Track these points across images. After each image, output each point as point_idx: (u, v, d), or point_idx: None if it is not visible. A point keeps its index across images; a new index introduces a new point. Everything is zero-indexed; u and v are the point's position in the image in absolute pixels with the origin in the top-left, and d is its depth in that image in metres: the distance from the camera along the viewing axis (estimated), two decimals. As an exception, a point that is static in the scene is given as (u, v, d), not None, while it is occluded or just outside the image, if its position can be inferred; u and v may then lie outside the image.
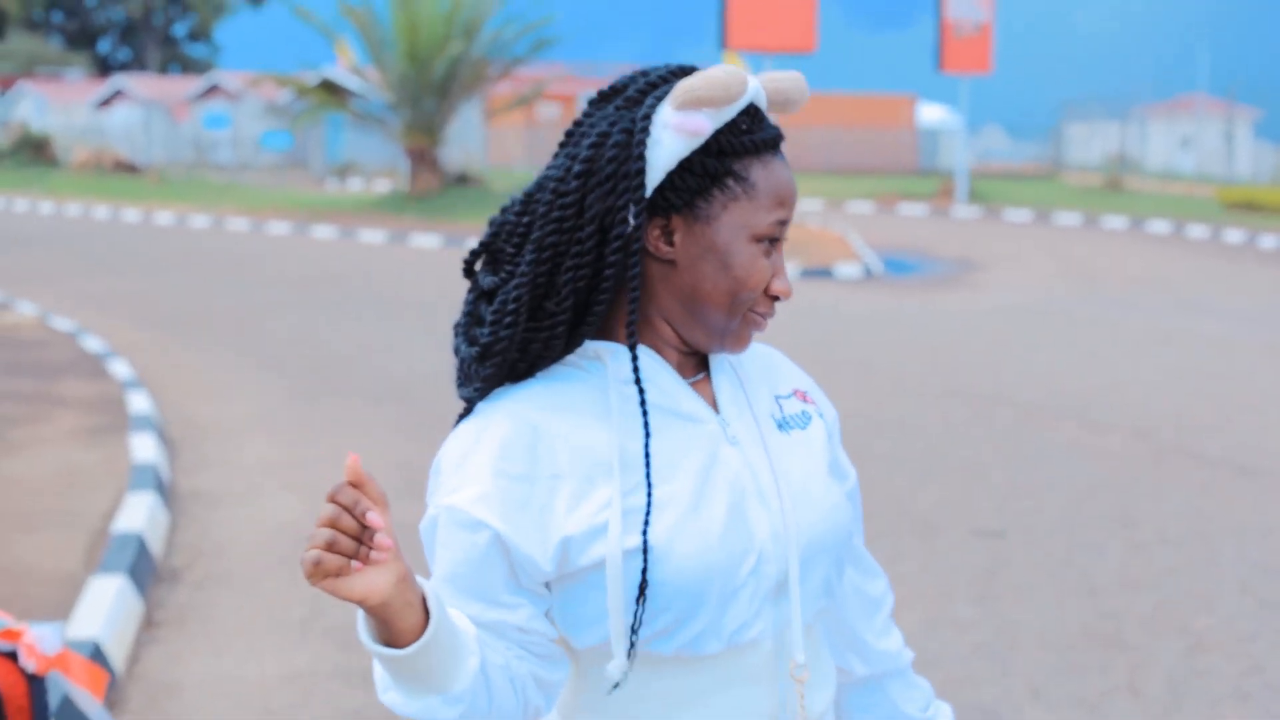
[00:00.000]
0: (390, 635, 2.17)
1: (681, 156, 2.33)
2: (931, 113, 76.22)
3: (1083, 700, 6.55)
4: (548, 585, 2.36)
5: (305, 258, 28.61)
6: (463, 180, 41.22)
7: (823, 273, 26.15)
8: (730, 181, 2.34)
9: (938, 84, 50.77)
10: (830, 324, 18.89)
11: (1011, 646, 7.19)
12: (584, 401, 2.39)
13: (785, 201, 2.37)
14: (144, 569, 8.05)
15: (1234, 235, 33.63)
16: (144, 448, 10.71)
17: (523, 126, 66.08)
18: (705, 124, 2.32)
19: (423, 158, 39.33)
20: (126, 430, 11.53)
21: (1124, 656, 7.06)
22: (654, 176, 2.34)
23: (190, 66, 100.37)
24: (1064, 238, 34.18)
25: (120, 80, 76.80)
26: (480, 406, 2.41)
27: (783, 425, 2.50)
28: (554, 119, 68.34)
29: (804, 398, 2.56)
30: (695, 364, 2.48)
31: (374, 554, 2.07)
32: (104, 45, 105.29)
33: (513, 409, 2.37)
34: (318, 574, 2.05)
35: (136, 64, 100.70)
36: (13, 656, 3.73)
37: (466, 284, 2.63)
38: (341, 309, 20.19)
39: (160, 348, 16.71)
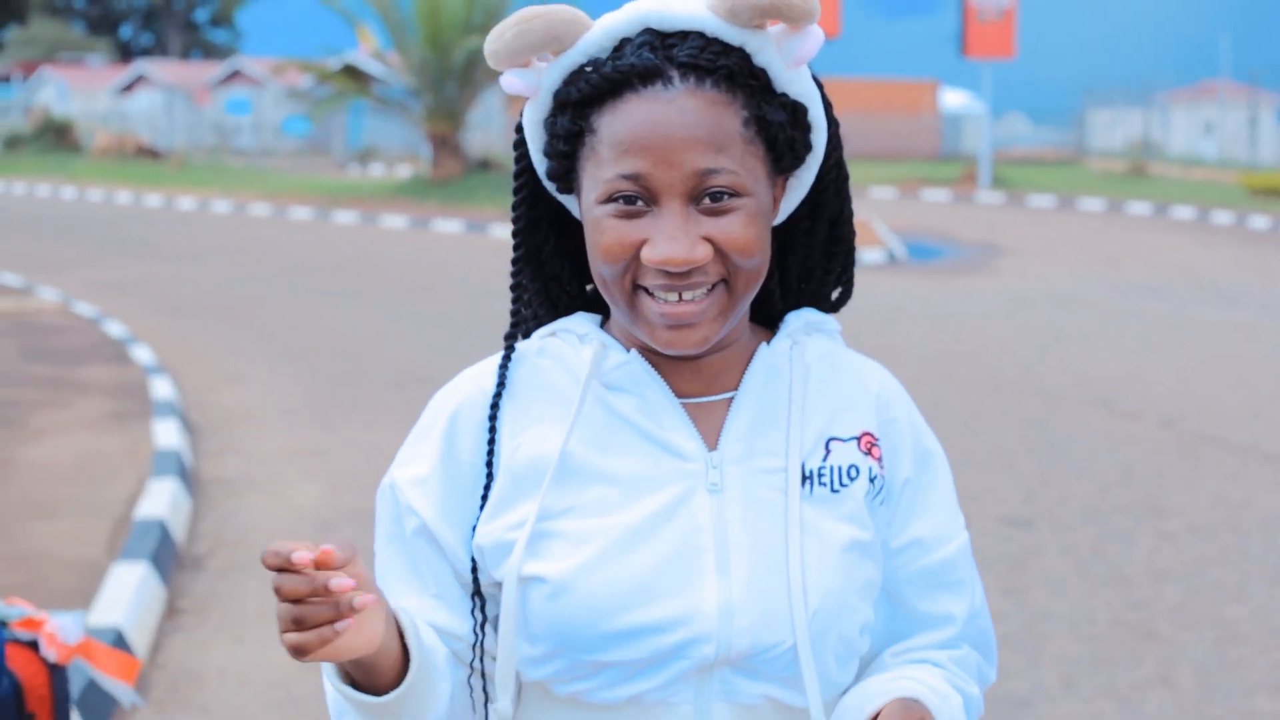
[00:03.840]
0: (368, 678, 1.95)
1: (537, 122, 2.05)
2: (954, 98, 76.10)
3: (1114, 691, 6.48)
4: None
5: (327, 243, 28.58)
6: (484, 166, 41.19)
7: (846, 259, 26.01)
8: (585, 137, 1.99)
9: (960, 70, 50.67)
10: (854, 310, 18.72)
11: (1042, 637, 7.12)
12: (555, 387, 2.10)
13: (633, 148, 1.93)
14: (166, 556, 8.01)
15: (1259, 221, 33.44)
16: (167, 434, 10.67)
17: (544, 112, 66.00)
18: (514, 81, 2.02)
19: (444, 143, 39.27)
20: (149, 416, 11.49)
21: (1155, 647, 6.98)
22: (536, 154, 2.08)
23: (212, 52, 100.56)
24: (1088, 223, 34.04)
25: (142, 65, 77.02)
26: (484, 361, 2.17)
27: (811, 479, 2.06)
28: (575, 104, 68.26)
29: (868, 446, 2.11)
30: (723, 377, 2.10)
31: (358, 602, 1.77)
32: (126, 31, 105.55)
33: (484, 379, 2.12)
34: (302, 656, 1.79)
35: (158, 49, 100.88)
36: (34, 645, 3.70)
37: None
38: (363, 295, 20.15)
39: (182, 334, 16.68)
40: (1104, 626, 7.25)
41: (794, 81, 2.00)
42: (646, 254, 1.93)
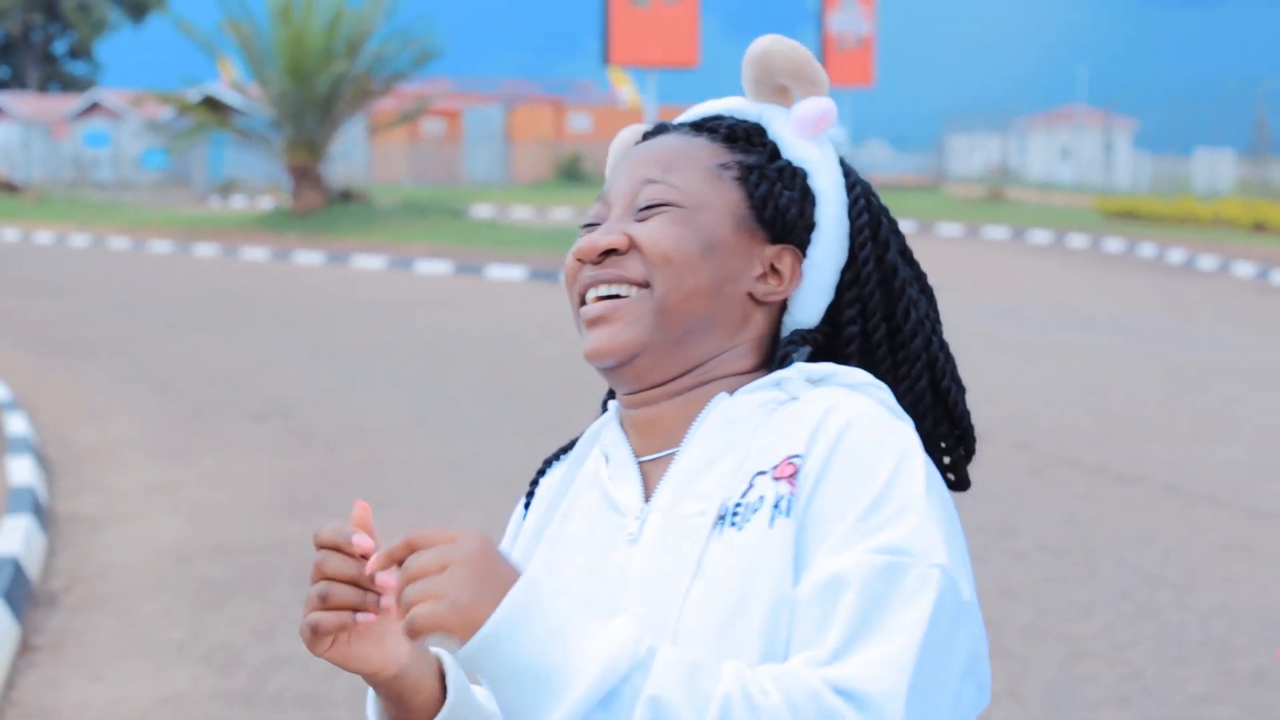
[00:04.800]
0: (401, 716, 1.87)
1: None
2: (815, 126, 76.54)
3: (963, 709, 6.57)
4: None
5: (187, 276, 28.36)
6: (346, 197, 40.98)
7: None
8: None
9: (821, 97, 51.12)
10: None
11: (893, 657, 7.21)
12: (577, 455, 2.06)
13: (609, 175, 2.04)
14: (20, 593, 7.94)
15: (1113, 245, 34.01)
16: (21, 470, 10.56)
17: (407, 142, 65.93)
18: None
19: (306, 175, 39.05)
20: (3, 453, 11.37)
21: (1004, 664, 7.10)
22: None
23: (70, 84, 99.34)
24: (947, 248, 34.41)
25: (-2, 98, 75.94)
26: None
27: (725, 518, 1.84)
28: (438, 135, 68.25)
29: (785, 473, 1.83)
30: (676, 431, 1.95)
31: (384, 602, 1.75)
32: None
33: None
34: (316, 641, 1.75)
35: (15, 82, 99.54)
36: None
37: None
38: (223, 327, 20.03)
39: (40, 370, 16.50)
40: (955, 645, 7.36)
41: (797, 147, 2.02)
42: (574, 247, 1.95)
